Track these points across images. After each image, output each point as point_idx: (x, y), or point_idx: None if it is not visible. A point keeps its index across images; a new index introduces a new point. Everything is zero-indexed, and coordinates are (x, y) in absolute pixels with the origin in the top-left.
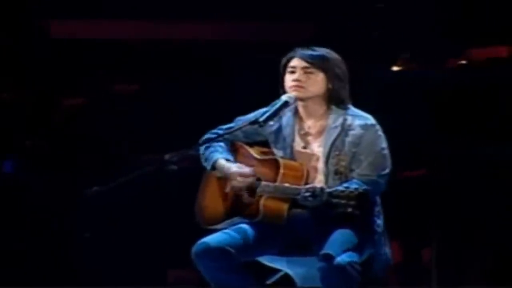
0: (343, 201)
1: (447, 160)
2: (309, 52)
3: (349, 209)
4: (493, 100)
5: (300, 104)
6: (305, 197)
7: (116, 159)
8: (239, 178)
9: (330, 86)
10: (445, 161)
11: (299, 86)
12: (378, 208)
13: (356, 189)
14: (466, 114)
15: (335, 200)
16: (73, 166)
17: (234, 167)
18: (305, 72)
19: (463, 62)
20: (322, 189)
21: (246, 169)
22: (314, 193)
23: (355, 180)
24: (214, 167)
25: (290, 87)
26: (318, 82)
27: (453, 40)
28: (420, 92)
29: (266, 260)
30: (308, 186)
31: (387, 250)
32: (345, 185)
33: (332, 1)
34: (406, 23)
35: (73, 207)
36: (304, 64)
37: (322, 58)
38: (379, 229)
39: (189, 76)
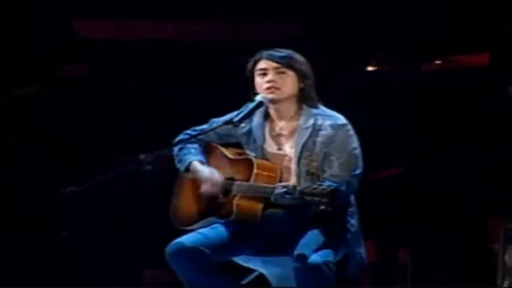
0: (316, 198)
1: (423, 160)
2: (275, 52)
3: (322, 206)
4: (468, 101)
5: (271, 106)
6: (278, 195)
7: (91, 159)
8: (210, 183)
9: (301, 85)
10: (420, 160)
11: (274, 87)
12: (352, 208)
13: (328, 186)
14: (441, 114)
15: (308, 198)
16: (48, 166)
17: (206, 172)
18: (277, 73)
19: (439, 62)
20: (295, 187)
21: (218, 175)
22: (287, 191)
23: (326, 180)
24: (187, 169)
25: (265, 89)
26: (290, 81)
27: (429, 41)
28: (396, 92)
29: (241, 260)
30: (280, 184)
31: (361, 250)
32: (318, 183)
33: (311, 2)
34: (382, 24)
35: (48, 206)
36: (275, 64)
37: (290, 57)
38: (353, 229)
39: (174, 75)
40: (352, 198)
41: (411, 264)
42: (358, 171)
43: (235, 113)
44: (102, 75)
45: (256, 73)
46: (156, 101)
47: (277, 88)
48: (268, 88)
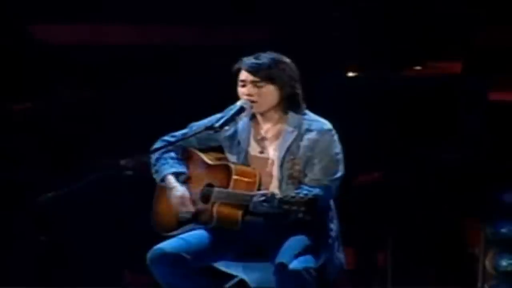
0: (293, 207)
1: (402, 164)
2: (255, 62)
3: (300, 215)
4: (449, 106)
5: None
6: (257, 203)
7: (72, 164)
8: (180, 205)
9: (282, 94)
10: (399, 165)
11: (251, 101)
12: (331, 213)
13: (306, 194)
14: (421, 119)
15: (285, 206)
16: (28, 169)
17: (177, 194)
18: (255, 86)
19: (419, 68)
20: (273, 195)
21: (187, 198)
22: (266, 199)
23: (306, 186)
24: (163, 181)
25: (245, 100)
26: (269, 94)
27: (410, 47)
28: (374, 97)
29: (222, 266)
30: (259, 192)
31: (340, 255)
32: (296, 191)
33: (290, 6)
34: (361, 29)
35: (29, 209)
36: (252, 78)
37: (269, 68)
38: (333, 234)
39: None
40: (332, 202)
41: (391, 268)
42: (337, 176)
43: (215, 117)
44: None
45: (238, 82)
46: (140, 105)
47: (254, 102)
48: (246, 101)
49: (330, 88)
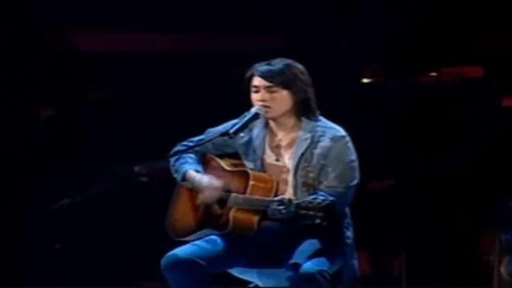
0: (311, 213)
1: (415, 170)
2: (268, 68)
3: (317, 220)
4: (462, 113)
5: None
6: (274, 209)
7: (87, 171)
8: (209, 191)
9: (296, 100)
10: (413, 171)
11: (265, 106)
12: (347, 220)
13: (323, 200)
14: (436, 126)
15: (303, 212)
16: (44, 177)
17: (204, 179)
18: (268, 92)
19: (431, 75)
20: (290, 200)
21: (217, 182)
22: (283, 204)
23: (321, 192)
24: (184, 178)
25: (259, 106)
26: (282, 99)
27: (422, 54)
28: (388, 104)
29: (236, 272)
30: (276, 198)
31: (354, 262)
32: (313, 196)
33: (301, 14)
34: (373, 36)
35: (44, 218)
36: (265, 83)
37: (282, 74)
38: (349, 241)
39: (165, 87)
40: (347, 210)
41: (405, 275)
42: (354, 182)
43: (230, 123)
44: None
45: (251, 88)
46: (150, 111)
47: (268, 107)
48: (259, 106)
49: (342, 95)
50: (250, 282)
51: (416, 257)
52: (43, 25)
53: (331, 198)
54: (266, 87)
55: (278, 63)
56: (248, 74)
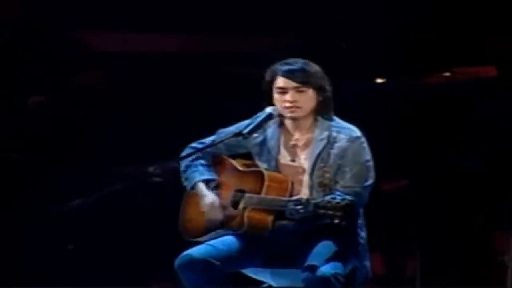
0: (330, 212)
1: (429, 171)
2: (292, 68)
3: (336, 220)
4: (475, 113)
5: (288, 118)
6: (292, 209)
7: (100, 171)
8: (210, 213)
9: (320, 99)
10: (426, 172)
11: (296, 107)
12: (361, 221)
13: (342, 199)
14: (450, 126)
15: (321, 211)
16: (56, 178)
17: (207, 199)
18: (297, 92)
19: (447, 75)
20: (308, 200)
21: (217, 206)
22: (301, 204)
23: (338, 192)
24: (193, 189)
25: (286, 108)
26: (310, 99)
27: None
28: (401, 104)
29: (250, 272)
30: (294, 198)
31: (367, 262)
32: (331, 196)
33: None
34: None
35: (57, 219)
36: (294, 84)
37: (308, 73)
38: (363, 241)
39: (174, 87)
40: (361, 210)
41: (419, 276)
42: (369, 183)
43: (243, 123)
44: (108, 86)
45: (275, 90)
46: (163, 111)
47: (298, 107)
48: (288, 107)
49: (354, 95)
50: (264, 282)
51: (430, 257)
52: (43, 25)
53: (349, 197)
54: (295, 88)
55: (297, 63)
56: (269, 75)
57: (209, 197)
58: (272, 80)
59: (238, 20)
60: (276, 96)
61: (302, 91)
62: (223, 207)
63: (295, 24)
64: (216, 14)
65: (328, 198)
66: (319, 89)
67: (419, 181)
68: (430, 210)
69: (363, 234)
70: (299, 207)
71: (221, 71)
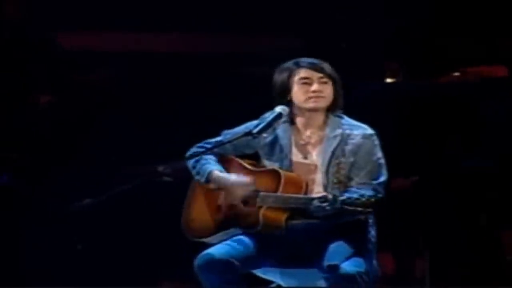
0: (359, 209)
1: (438, 171)
2: (315, 61)
3: (363, 217)
4: (485, 113)
5: (301, 115)
6: (318, 207)
7: (109, 170)
8: (239, 188)
9: (336, 94)
10: (435, 172)
11: (320, 96)
12: (371, 219)
13: (371, 196)
14: (458, 125)
15: (350, 208)
16: (65, 178)
17: (233, 177)
18: (321, 82)
19: (455, 74)
20: (335, 197)
21: (245, 179)
22: (326, 201)
23: (353, 189)
24: (208, 180)
25: (309, 98)
26: (331, 90)
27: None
28: (412, 104)
29: (259, 272)
30: (319, 195)
31: (375, 262)
32: (360, 192)
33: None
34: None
35: (66, 218)
36: (319, 74)
37: (328, 67)
38: (374, 240)
39: (181, 87)
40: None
41: (429, 275)
42: (382, 179)
43: (252, 123)
44: (118, 86)
45: (299, 82)
46: (173, 111)
47: (323, 97)
48: (312, 97)
49: (364, 94)
50: (272, 282)
51: (440, 257)
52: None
53: (369, 193)
54: (319, 78)
55: (316, 59)
56: (287, 69)
57: (231, 175)
58: (291, 75)
59: (239, 20)
60: (297, 87)
61: (325, 82)
62: (234, 206)
63: (295, 24)
64: (216, 14)
65: (356, 195)
66: (336, 84)
67: (429, 181)
68: (439, 210)
69: (373, 232)
70: (325, 204)
71: (228, 71)
